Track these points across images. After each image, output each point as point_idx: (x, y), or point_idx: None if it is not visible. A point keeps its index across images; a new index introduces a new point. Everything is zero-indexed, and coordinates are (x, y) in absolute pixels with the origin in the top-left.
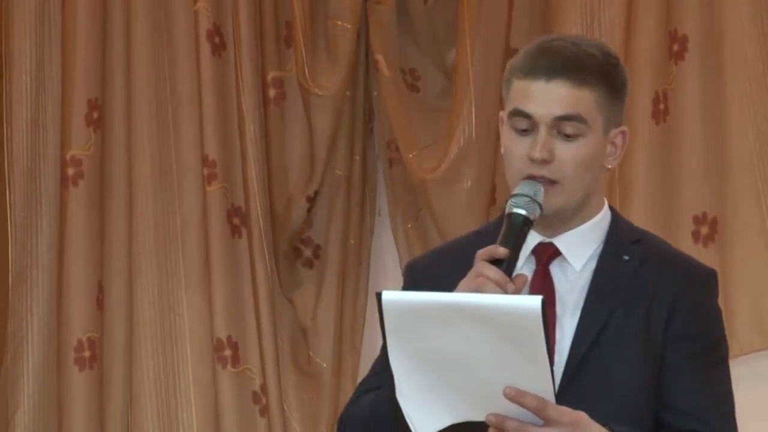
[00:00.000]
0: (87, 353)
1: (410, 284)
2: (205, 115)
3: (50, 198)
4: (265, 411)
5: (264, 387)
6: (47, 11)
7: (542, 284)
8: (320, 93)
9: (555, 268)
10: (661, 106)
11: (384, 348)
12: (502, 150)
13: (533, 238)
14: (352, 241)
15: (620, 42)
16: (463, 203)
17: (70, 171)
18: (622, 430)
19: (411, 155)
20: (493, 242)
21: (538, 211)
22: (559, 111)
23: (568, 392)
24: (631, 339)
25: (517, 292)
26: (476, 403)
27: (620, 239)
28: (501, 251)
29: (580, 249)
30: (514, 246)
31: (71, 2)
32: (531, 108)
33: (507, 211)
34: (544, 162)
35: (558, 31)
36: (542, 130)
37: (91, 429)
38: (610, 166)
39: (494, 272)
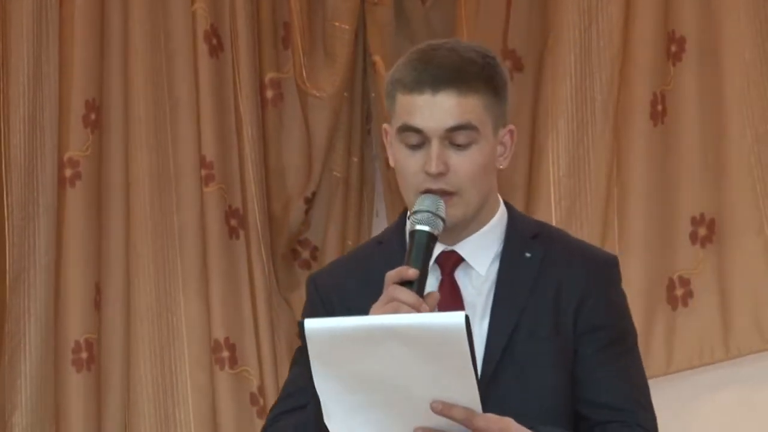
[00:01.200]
0: (84, 354)
1: (316, 299)
2: (203, 117)
3: (48, 199)
4: (262, 412)
5: (261, 388)
6: (44, 12)
7: (449, 292)
8: (318, 94)
9: (460, 275)
10: (659, 108)
11: (308, 374)
12: (391, 162)
13: (435, 248)
14: (349, 243)
15: (618, 43)
16: None
17: (68, 172)
18: (547, 431)
19: None
20: (395, 253)
21: (441, 226)
22: (449, 122)
23: (487, 397)
24: (543, 338)
25: (430, 310)
26: (405, 420)
27: (519, 236)
28: (411, 273)
29: (482, 253)
30: (423, 264)
31: (69, 3)
32: (420, 122)
33: (410, 228)
34: (440, 175)
35: (556, 34)
36: (434, 143)
37: (88, 430)
38: (502, 166)
39: (407, 295)
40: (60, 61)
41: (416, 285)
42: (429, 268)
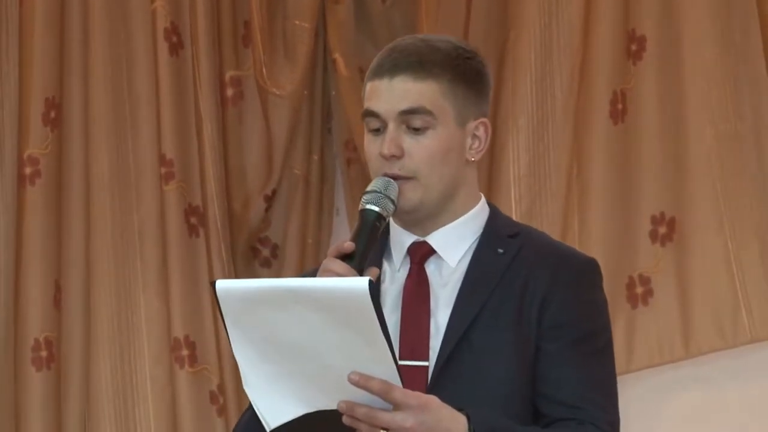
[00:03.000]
0: (44, 353)
1: None
2: (163, 114)
3: (7, 197)
4: (222, 411)
5: (221, 387)
6: (4, 9)
7: (416, 282)
8: (278, 92)
9: (431, 266)
10: (619, 106)
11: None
12: (365, 154)
13: (408, 239)
14: (310, 241)
15: (578, 42)
16: None
17: (27, 170)
18: (476, 413)
19: None
20: (376, 254)
21: (390, 206)
22: (403, 105)
23: (441, 383)
24: (502, 329)
25: None
26: (328, 390)
27: (497, 233)
28: (347, 246)
29: (453, 245)
30: (368, 241)
31: (28, 1)
32: (377, 106)
33: (360, 207)
34: (394, 157)
35: (517, 32)
36: (390, 127)
37: (48, 429)
38: (473, 159)
39: (339, 266)
40: (19, 58)
41: (356, 260)
42: (402, 259)
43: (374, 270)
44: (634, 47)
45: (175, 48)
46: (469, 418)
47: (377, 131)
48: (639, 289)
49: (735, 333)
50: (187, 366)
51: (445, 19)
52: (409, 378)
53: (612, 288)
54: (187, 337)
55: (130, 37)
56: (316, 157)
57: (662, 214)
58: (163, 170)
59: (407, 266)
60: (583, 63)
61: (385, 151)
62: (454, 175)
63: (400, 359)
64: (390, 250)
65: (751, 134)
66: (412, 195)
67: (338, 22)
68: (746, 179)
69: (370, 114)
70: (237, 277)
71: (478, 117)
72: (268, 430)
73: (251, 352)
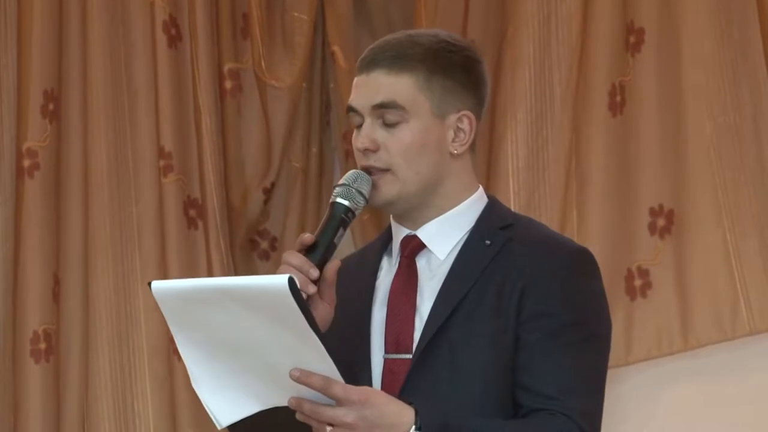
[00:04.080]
0: (43, 345)
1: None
2: (161, 107)
3: (6, 190)
4: None
5: None
6: (3, 2)
7: (406, 275)
8: (277, 85)
9: (421, 260)
10: (618, 98)
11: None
12: None
13: (402, 232)
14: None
15: (577, 34)
16: None
17: (26, 163)
18: (424, 408)
19: None
20: (371, 257)
21: (359, 198)
22: (376, 99)
23: (419, 375)
24: (479, 320)
25: (327, 277)
26: (279, 387)
27: (489, 225)
28: (306, 238)
29: (442, 238)
30: (329, 234)
31: None
32: (354, 101)
33: (330, 200)
34: (368, 151)
35: (515, 25)
36: (366, 121)
37: (47, 421)
38: (456, 152)
39: (296, 258)
40: (18, 51)
41: (318, 253)
42: (395, 253)
43: (336, 262)
44: (632, 39)
45: (174, 40)
46: (417, 413)
47: (358, 127)
48: (638, 282)
49: (734, 325)
50: None
51: (444, 12)
52: (394, 371)
53: (611, 280)
54: None
55: (128, 30)
56: (314, 150)
57: (661, 207)
58: (161, 163)
59: (397, 258)
60: (581, 55)
61: (359, 145)
62: (433, 169)
63: (386, 353)
64: (392, 244)
65: (749, 126)
66: (389, 188)
67: (337, 15)
68: (745, 171)
69: (350, 109)
70: (236, 270)
71: (460, 110)
72: (219, 427)
73: (196, 351)
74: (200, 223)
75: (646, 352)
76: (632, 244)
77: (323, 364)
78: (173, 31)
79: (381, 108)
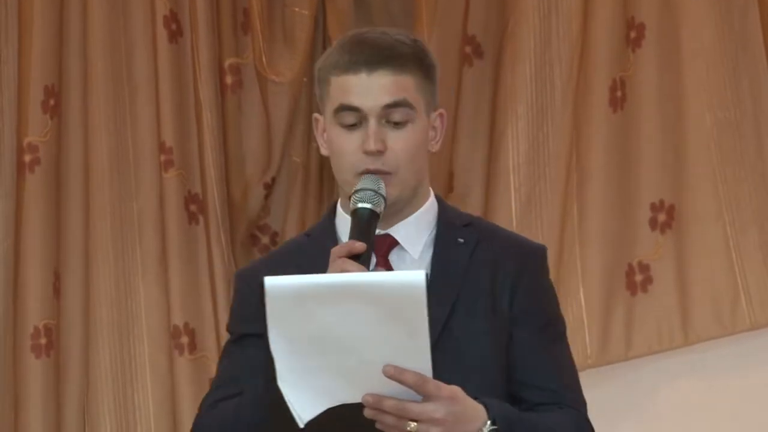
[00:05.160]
0: (43, 340)
1: (247, 292)
2: (162, 102)
3: (6, 185)
4: None
5: None
6: None
7: None
8: (277, 80)
9: (393, 258)
10: (619, 94)
11: (247, 342)
12: (324, 151)
13: None
14: None
15: (578, 29)
16: None
17: (27, 158)
18: (491, 403)
19: None
20: (324, 243)
21: (383, 205)
22: (386, 99)
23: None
24: (479, 318)
25: None
26: (354, 385)
27: (451, 224)
28: (359, 246)
29: (415, 237)
30: (367, 241)
31: None
32: (357, 101)
33: (352, 207)
34: (379, 153)
35: (516, 20)
36: (372, 122)
37: (47, 416)
38: (434, 150)
39: (356, 267)
40: (19, 46)
41: (365, 259)
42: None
43: (380, 270)
44: (633, 35)
45: (175, 35)
46: (487, 408)
47: (352, 126)
48: (638, 277)
49: (734, 320)
50: (186, 353)
51: (445, 6)
52: None
53: (611, 275)
54: (186, 325)
55: (129, 25)
56: (315, 145)
57: (661, 202)
58: (162, 158)
59: (371, 259)
60: (582, 51)
61: (372, 147)
62: (422, 168)
63: None
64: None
65: (750, 121)
66: (392, 191)
67: (338, 9)
68: (745, 166)
69: (349, 109)
70: (236, 264)
71: (436, 108)
72: (300, 424)
73: (288, 347)
74: (201, 218)
75: (647, 347)
76: (633, 239)
77: (419, 362)
78: (174, 26)
79: (391, 108)
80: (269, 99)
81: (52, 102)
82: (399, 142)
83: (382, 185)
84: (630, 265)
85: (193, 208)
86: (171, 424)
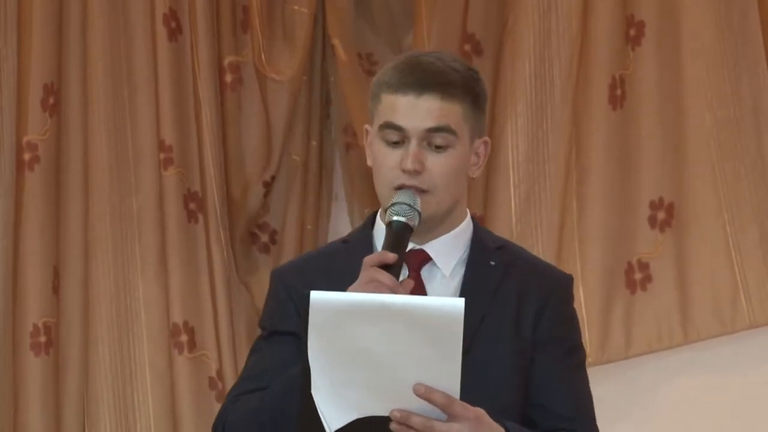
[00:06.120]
0: (43, 338)
1: (282, 294)
2: (161, 100)
3: (6, 183)
4: (221, 396)
5: (220, 372)
6: None
7: (415, 289)
8: (277, 78)
9: (425, 274)
10: (618, 92)
11: (279, 339)
12: (369, 162)
13: None
14: (309, 226)
15: (577, 27)
16: None
17: (26, 156)
18: (512, 426)
19: None
20: (361, 251)
21: (417, 219)
22: (430, 123)
23: None
24: (504, 340)
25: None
26: (383, 399)
27: (485, 246)
28: (391, 257)
29: (448, 255)
30: (398, 253)
31: None
32: (402, 121)
33: (388, 219)
34: (416, 172)
35: (515, 17)
36: (413, 142)
37: (46, 414)
38: (474, 176)
39: (387, 277)
40: (18, 45)
41: (396, 271)
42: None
43: (410, 281)
44: (632, 32)
45: (174, 34)
46: (507, 431)
47: (395, 144)
48: (638, 275)
49: (734, 318)
50: (186, 352)
51: (444, 4)
52: None
53: (611, 273)
54: (186, 323)
55: (128, 23)
56: (314, 143)
57: (661, 200)
58: (162, 156)
59: (403, 272)
60: (581, 48)
61: (410, 167)
62: (460, 191)
63: None
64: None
65: (749, 119)
66: (426, 208)
67: (337, 7)
68: (745, 164)
69: (394, 127)
70: (236, 262)
71: (482, 136)
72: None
73: (324, 358)
74: (200, 216)
75: (647, 345)
76: (632, 237)
77: (449, 383)
78: (173, 24)
79: (433, 131)
80: (269, 97)
81: (51, 100)
82: (437, 165)
83: (419, 201)
84: (629, 263)
85: (192, 206)
86: (170, 421)
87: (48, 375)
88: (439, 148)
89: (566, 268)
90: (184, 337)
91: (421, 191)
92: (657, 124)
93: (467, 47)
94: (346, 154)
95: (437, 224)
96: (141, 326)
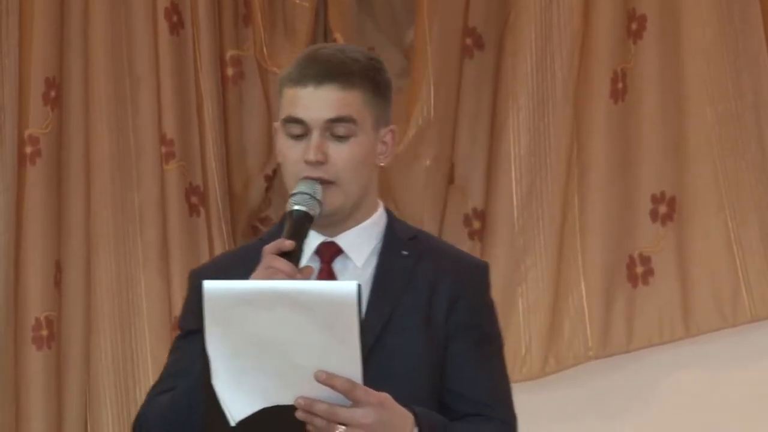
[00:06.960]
0: (45, 332)
1: (195, 291)
2: (163, 94)
3: (8, 177)
4: None
5: None
6: None
7: (326, 280)
8: (278, 71)
9: (337, 266)
10: (620, 86)
11: (194, 338)
12: (279, 158)
13: (315, 239)
14: None
15: (579, 21)
16: (422, 182)
17: (28, 149)
18: (420, 411)
19: None
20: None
21: (318, 208)
22: (330, 114)
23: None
24: (413, 329)
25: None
26: (287, 387)
27: (397, 237)
28: (287, 244)
29: (360, 246)
30: (298, 240)
31: None
32: (303, 113)
33: (288, 209)
34: (319, 163)
35: (517, 11)
36: (315, 134)
37: (48, 408)
38: (382, 164)
39: (283, 264)
40: (20, 38)
41: (296, 258)
42: (309, 258)
43: (310, 268)
44: (634, 26)
45: (176, 27)
46: (415, 416)
47: (298, 137)
48: (639, 269)
49: (735, 312)
50: None
51: None
52: None
53: (612, 267)
54: None
55: (130, 17)
56: None
57: (662, 194)
58: (163, 150)
59: (315, 264)
60: (583, 42)
61: (312, 158)
62: (367, 180)
63: None
64: None
65: (751, 113)
66: (333, 199)
67: (339, 2)
68: (746, 158)
69: (295, 121)
70: None
71: (387, 124)
72: (231, 423)
73: (224, 348)
74: (202, 210)
75: (648, 339)
76: (634, 231)
77: (350, 368)
78: (175, 18)
79: (334, 122)
80: (270, 91)
81: (53, 94)
82: (341, 154)
83: (318, 189)
84: (631, 257)
85: (194, 199)
86: None
87: (50, 369)
88: (341, 138)
89: (568, 262)
90: None
91: (327, 182)
92: (658, 118)
93: (469, 41)
94: None
95: (347, 216)
96: (143, 320)
